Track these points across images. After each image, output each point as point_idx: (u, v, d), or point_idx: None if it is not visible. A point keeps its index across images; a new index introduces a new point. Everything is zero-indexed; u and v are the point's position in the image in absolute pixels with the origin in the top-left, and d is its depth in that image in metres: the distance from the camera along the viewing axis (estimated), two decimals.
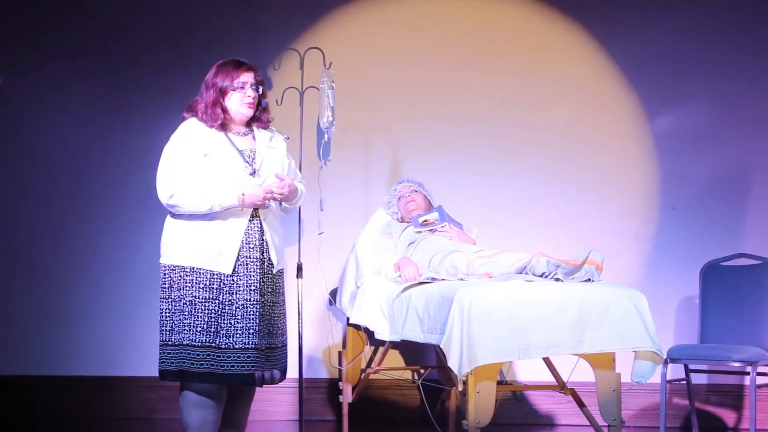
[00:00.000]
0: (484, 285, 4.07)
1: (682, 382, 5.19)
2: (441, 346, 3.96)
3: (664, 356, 4.54)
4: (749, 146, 5.73)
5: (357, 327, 4.94)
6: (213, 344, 3.93)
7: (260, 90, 4.11)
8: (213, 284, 3.95)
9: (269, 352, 4.03)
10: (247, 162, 4.04)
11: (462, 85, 5.86)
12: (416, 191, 5.28)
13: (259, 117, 4.15)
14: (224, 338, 3.93)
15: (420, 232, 5.05)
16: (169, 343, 3.96)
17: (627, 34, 5.81)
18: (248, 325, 3.95)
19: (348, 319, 5.04)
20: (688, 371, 5.14)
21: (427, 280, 4.41)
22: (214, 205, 3.93)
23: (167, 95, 5.72)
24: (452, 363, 3.88)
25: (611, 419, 4.11)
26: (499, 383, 4.34)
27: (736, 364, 4.82)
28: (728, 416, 5.59)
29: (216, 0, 5.94)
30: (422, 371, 5.47)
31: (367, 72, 5.86)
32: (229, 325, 3.94)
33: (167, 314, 3.98)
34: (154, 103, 5.80)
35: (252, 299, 3.97)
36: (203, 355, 3.92)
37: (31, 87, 5.91)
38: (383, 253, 4.99)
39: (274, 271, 4.07)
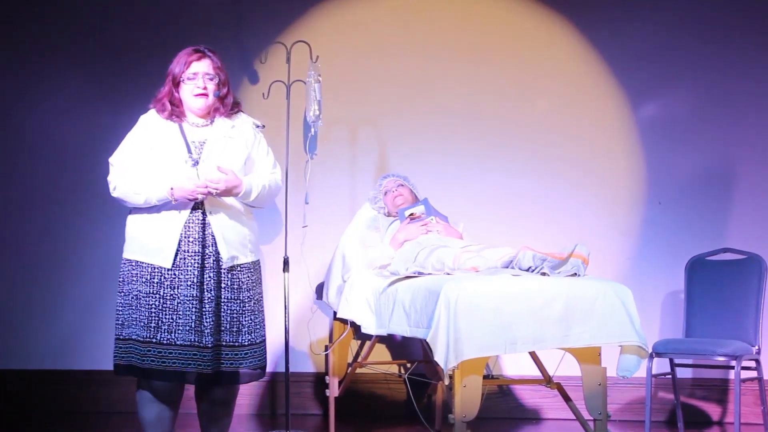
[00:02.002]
0: (470, 279, 4.07)
1: (667, 377, 5.20)
2: (427, 341, 3.97)
3: (650, 350, 4.54)
4: (734, 141, 5.74)
5: (344, 321, 4.92)
6: (154, 340, 3.86)
7: (219, 78, 4.03)
8: (154, 278, 3.89)
9: (227, 350, 3.93)
10: (191, 153, 3.96)
11: (448, 78, 5.87)
12: (402, 185, 5.27)
13: (219, 106, 4.06)
14: (165, 333, 3.86)
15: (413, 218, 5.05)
16: (120, 337, 3.92)
17: (613, 29, 5.82)
18: (186, 321, 3.87)
19: (335, 313, 5.04)
20: (673, 365, 5.17)
21: (413, 275, 4.41)
22: (148, 199, 3.90)
23: (152, 89, 5.67)
24: (438, 357, 3.89)
25: (597, 413, 4.12)
26: (486, 377, 4.35)
27: (721, 359, 4.84)
28: (713, 410, 5.62)
29: None
30: (409, 365, 5.47)
31: (353, 65, 5.86)
32: (170, 320, 3.87)
33: (119, 308, 3.94)
34: (139, 96, 5.73)
35: (189, 295, 3.88)
36: (145, 350, 3.86)
37: (11, 78, 5.92)
38: (370, 248, 4.99)
39: (224, 266, 3.95)
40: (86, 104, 5.84)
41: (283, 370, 4.92)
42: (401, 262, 4.61)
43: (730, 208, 5.71)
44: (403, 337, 4.51)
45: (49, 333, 5.81)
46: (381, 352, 5.69)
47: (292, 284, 4.95)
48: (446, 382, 3.93)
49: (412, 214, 5.06)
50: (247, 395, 5.66)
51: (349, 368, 5.11)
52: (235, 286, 3.98)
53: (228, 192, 3.94)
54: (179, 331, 3.85)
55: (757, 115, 5.74)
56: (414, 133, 5.85)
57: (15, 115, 5.92)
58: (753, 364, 4.96)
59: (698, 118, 5.77)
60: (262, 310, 4.11)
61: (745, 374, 4.88)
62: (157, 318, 3.87)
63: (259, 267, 4.14)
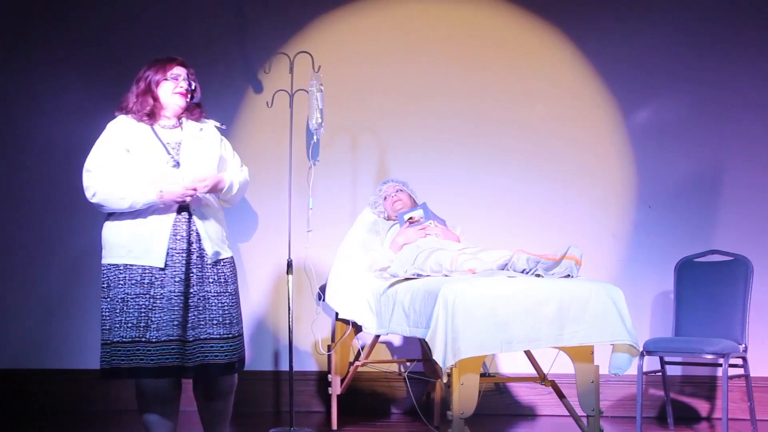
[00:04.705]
0: (467, 281, 4.10)
1: (657, 374, 5.23)
2: (426, 340, 4.01)
3: (641, 349, 4.57)
4: (722, 147, 5.77)
5: (345, 322, 4.97)
6: (143, 338, 3.86)
7: (193, 85, 4.08)
8: (144, 279, 3.90)
9: (222, 343, 3.93)
10: (170, 154, 3.98)
11: (446, 85, 5.90)
12: (401, 190, 5.30)
13: (190, 111, 4.10)
14: (154, 332, 3.87)
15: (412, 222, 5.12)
16: (108, 342, 3.92)
17: (603, 38, 5.85)
18: (173, 316, 3.88)
19: (337, 314, 5.08)
20: (663, 363, 5.21)
21: (412, 276, 4.45)
22: (134, 203, 3.90)
23: None
24: (437, 356, 3.92)
25: (590, 409, 4.16)
26: (483, 375, 4.30)
27: (709, 356, 4.86)
28: (702, 406, 5.66)
29: (208, 6, 5.95)
30: (408, 364, 5.49)
31: (354, 75, 5.89)
32: (159, 318, 3.87)
33: (106, 313, 3.94)
34: None
35: (176, 291, 3.89)
36: (132, 350, 3.86)
37: (14, 84, 5.93)
38: (371, 251, 5.03)
39: (208, 261, 3.99)
40: (87, 111, 5.76)
41: (288, 368, 5.00)
42: (401, 265, 4.66)
43: (718, 211, 5.73)
44: (403, 337, 4.51)
45: (60, 332, 5.82)
46: (382, 352, 5.73)
47: (296, 286, 4.99)
48: (444, 380, 3.96)
49: (411, 218, 5.10)
50: (252, 393, 5.69)
51: (351, 367, 5.13)
52: (222, 280, 4.01)
53: (214, 189, 4.00)
54: (164, 328, 3.87)
55: (743, 122, 5.77)
56: (413, 140, 5.88)
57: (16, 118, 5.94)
58: (740, 361, 5.00)
59: (687, 125, 5.80)
60: (237, 303, 4.13)
61: (732, 371, 4.93)
62: (146, 317, 3.88)
63: (234, 262, 4.16)
